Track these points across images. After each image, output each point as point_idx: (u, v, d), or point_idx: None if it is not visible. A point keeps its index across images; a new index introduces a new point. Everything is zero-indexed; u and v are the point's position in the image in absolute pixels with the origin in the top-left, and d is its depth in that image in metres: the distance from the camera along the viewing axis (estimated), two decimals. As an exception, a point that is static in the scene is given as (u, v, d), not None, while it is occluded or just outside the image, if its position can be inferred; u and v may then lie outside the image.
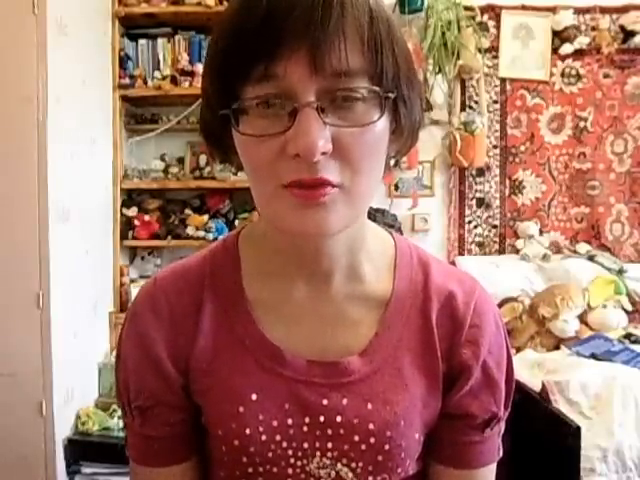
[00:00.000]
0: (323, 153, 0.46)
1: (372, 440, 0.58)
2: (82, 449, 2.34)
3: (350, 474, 0.59)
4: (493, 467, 0.66)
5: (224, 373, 0.59)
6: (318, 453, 0.59)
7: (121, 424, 2.44)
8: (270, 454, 0.58)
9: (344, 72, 0.46)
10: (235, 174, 2.69)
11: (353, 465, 0.59)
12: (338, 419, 0.58)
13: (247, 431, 0.58)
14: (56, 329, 2.20)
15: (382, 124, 0.49)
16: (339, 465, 0.59)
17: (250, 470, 0.59)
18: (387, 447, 0.58)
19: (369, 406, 0.58)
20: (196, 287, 0.61)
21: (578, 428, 1.66)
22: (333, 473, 0.59)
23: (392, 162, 0.58)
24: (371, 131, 0.48)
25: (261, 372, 0.59)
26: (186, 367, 0.60)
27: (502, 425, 0.66)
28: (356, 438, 0.58)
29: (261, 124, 0.48)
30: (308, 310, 0.61)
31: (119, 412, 2.47)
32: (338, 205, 0.49)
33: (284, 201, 0.49)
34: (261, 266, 0.62)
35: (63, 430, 2.33)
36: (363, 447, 0.58)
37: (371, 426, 0.58)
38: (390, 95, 0.48)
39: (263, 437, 0.58)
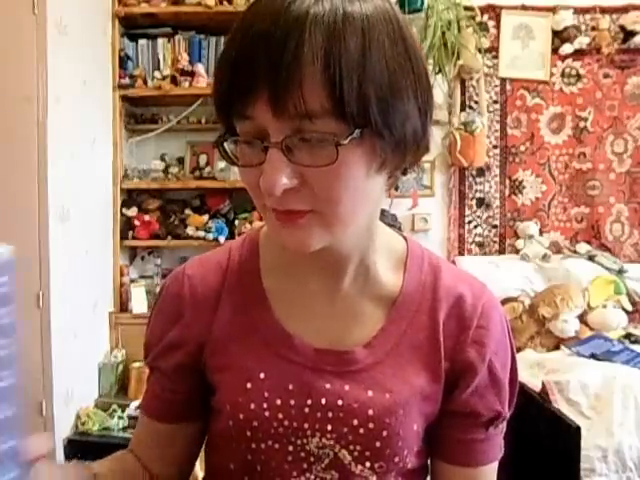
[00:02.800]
0: (290, 188, 0.50)
1: (371, 425, 0.60)
2: (82, 449, 2.34)
3: (348, 457, 0.62)
4: (495, 465, 0.68)
5: (237, 353, 0.64)
6: (318, 434, 0.62)
7: (121, 424, 2.44)
8: (272, 430, 0.62)
9: (305, 114, 0.47)
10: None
11: (351, 448, 0.61)
12: (339, 403, 0.61)
13: (252, 406, 0.62)
14: (56, 329, 2.20)
15: (352, 158, 0.50)
16: (338, 447, 0.61)
17: (253, 446, 0.63)
18: (385, 433, 0.60)
19: (369, 393, 0.61)
20: (218, 275, 0.67)
21: (578, 428, 1.66)
22: (332, 454, 0.62)
23: (398, 173, 0.59)
24: (336, 168, 0.49)
25: (271, 355, 0.63)
26: (204, 345, 0.66)
27: (504, 424, 0.68)
28: (355, 422, 0.61)
29: (247, 155, 0.53)
30: (320, 303, 0.65)
31: (119, 412, 2.48)
32: (314, 227, 0.53)
33: (270, 219, 0.55)
34: (278, 260, 0.67)
35: (63, 430, 2.33)
36: (362, 431, 0.61)
37: (370, 412, 0.61)
38: (342, 142, 0.48)
39: (266, 413, 0.62)
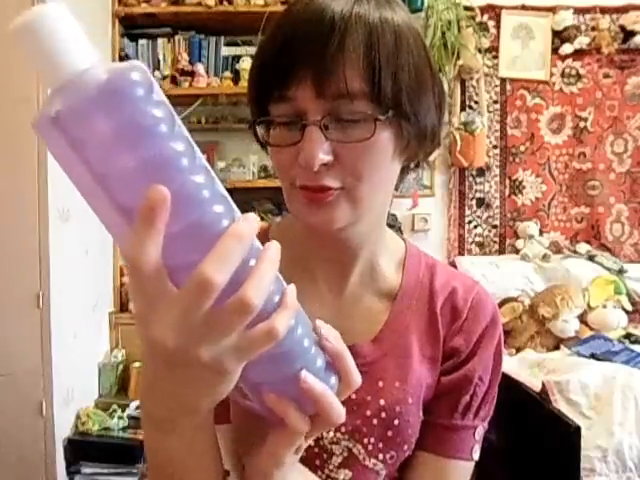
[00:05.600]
0: (325, 164, 0.55)
1: (383, 415, 0.64)
2: (82, 449, 2.34)
3: (362, 451, 0.64)
4: (463, 466, 0.67)
5: None
6: (332, 428, 0.63)
7: (121, 424, 2.44)
8: None
9: (345, 95, 0.53)
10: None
11: (365, 441, 0.64)
12: (352, 396, 0.62)
13: None
14: (56, 329, 2.20)
15: (383, 137, 0.56)
16: (352, 441, 0.64)
17: None
18: (397, 422, 0.64)
19: (380, 384, 0.65)
20: None
21: (578, 428, 1.66)
22: (346, 450, 0.64)
23: (412, 165, 0.65)
24: (369, 145, 0.55)
25: None
26: None
27: (478, 425, 0.68)
28: (368, 413, 0.64)
29: (282, 135, 0.57)
30: (329, 297, 0.68)
31: (119, 412, 2.47)
32: (342, 204, 0.57)
33: (297, 199, 0.58)
34: (288, 253, 0.68)
35: (63, 430, 2.33)
36: (375, 422, 0.63)
37: (382, 402, 0.64)
38: (381, 118, 0.54)
39: None
